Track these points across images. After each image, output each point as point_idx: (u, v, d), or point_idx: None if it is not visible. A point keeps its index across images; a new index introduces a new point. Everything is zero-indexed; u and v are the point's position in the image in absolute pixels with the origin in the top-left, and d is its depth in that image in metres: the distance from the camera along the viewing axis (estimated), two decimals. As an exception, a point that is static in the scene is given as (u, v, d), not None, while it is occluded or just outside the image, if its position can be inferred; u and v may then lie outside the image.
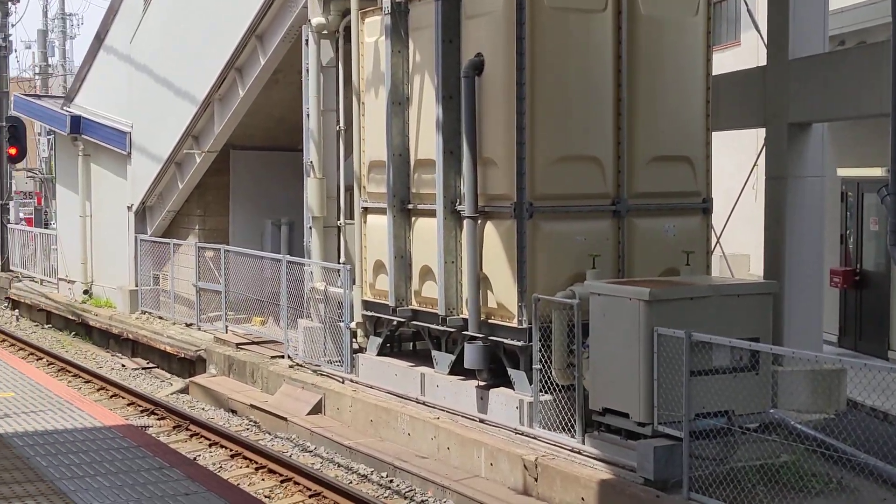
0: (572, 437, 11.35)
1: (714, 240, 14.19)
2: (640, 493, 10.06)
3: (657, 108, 12.85)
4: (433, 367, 13.62)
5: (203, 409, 16.57)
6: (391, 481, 12.29)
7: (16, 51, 41.12)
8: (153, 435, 13.41)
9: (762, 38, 14.75)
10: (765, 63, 14.21)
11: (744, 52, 20.47)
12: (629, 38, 12.61)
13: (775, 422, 11.03)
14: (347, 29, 15.44)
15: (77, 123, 24.48)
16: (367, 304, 14.82)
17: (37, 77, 44.63)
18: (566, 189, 12.39)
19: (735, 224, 16.29)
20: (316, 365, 15.80)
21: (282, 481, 12.34)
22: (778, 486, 9.84)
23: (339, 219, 16.37)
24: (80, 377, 19.02)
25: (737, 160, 19.28)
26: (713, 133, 13.48)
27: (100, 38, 24.22)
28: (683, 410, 9.96)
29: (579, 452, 11.16)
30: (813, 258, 13.80)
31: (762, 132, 14.74)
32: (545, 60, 12.16)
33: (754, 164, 16.11)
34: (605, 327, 10.88)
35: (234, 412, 16.12)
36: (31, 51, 50.84)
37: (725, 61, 18.39)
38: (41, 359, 20.87)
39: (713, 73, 13.43)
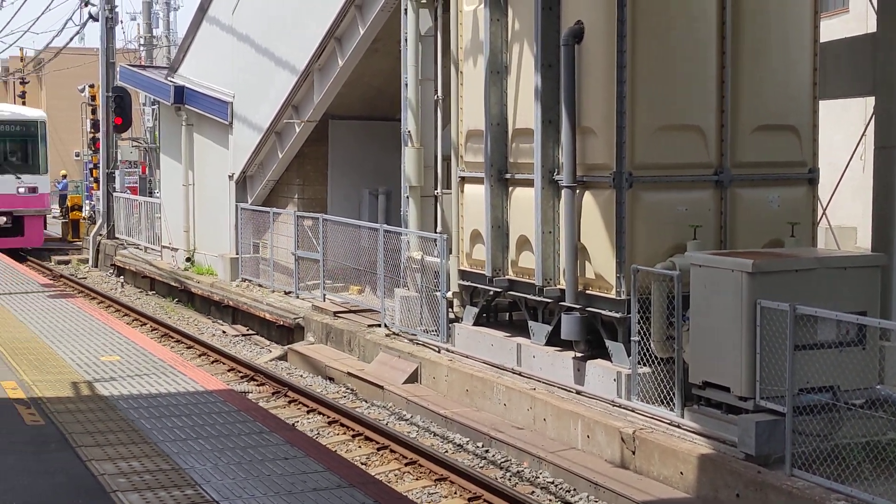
0: (671, 410, 11.22)
1: (820, 211, 13.86)
2: (741, 469, 9.91)
3: (762, 76, 12.58)
4: (529, 338, 13.58)
5: (301, 376, 16.76)
6: (487, 451, 12.30)
7: (122, 22, 41.82)
8: (253, 400, 13.59)
9: (872, 3, 14.31)
10: (874, 30, 13.78)
11: (852, 20, 19.94)
12: (734, 4, 12.35)
13: (882, 398, 10.74)
14: (446, -3, 15.36)
15: (180, 93, 24.83)
16: (463, 274, 14.81)
17: (142, 48, 45.34)
18: (667, 158, 12.21)
19: (842, 195, 15.90)
20: (412, 334, 15.85)
21: (378, 449, 12.44)
22: (884, 464, 9.60)
23: (436, 188, 16.36)
24: (182, 343, 19.39)
25: (844, 130, 18.81)
26: (820, 102, 13.15)
27: (203, 9, 24.49)
28: (787, 385, 9.77)
29: (678, 426, 11.03)
30: (923, 231, 13.40)
31: (871, 101, 14.33)
32: (647, 27, 11.97)
33: (862, 134, 15.67)
34: (706, 299, 10.71)
35: (331, 380, 16.27)
36: (137, 22, 51.59)
37: (833, 28, 17.93)
38: (145, 324, 21.31)
39: (820, 41, 13.09)
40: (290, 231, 20.73)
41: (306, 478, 8.21)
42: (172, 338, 19.84)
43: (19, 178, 32.68)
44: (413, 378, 14.91)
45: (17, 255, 30.69)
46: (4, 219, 32.31)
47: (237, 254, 23.07)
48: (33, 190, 32.96)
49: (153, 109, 39.22)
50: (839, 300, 10.26)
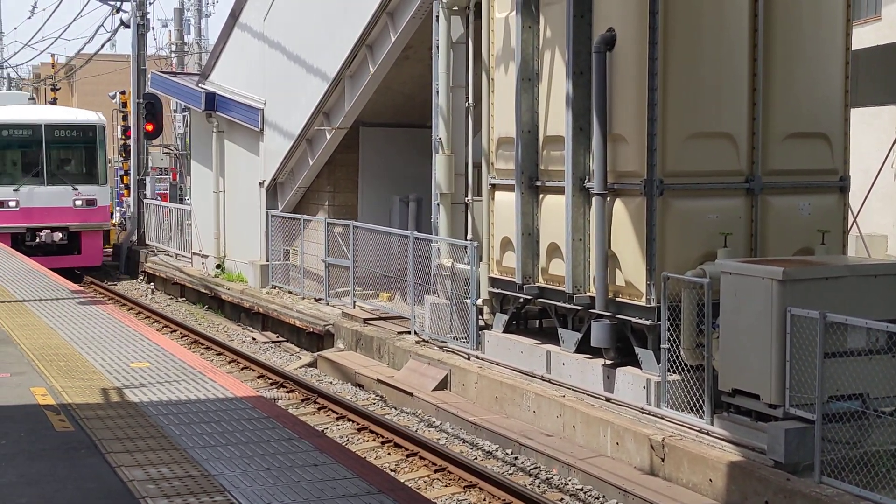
0: (700, 417, 11.18)
1: (851, 219, 13.78)
2: (770, 476, 9.86)
3: (794, 84, 12.52)
4: (559, 345, 13.56)
5: (331, 382, 16.80)
6: (516, 458, 12.29)
7: (153, 29, 42.15)
8: (283, 407, 13.63)
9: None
10: (907, 37, 13.72)
11: (884, 27, 19.79)
12: (766, 11, 12.31)
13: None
14: (478, 5, 15.39)
15: (211, 100, 24.93)
16: (493, 281, 14.81)
17: (173, 55, 45.66)
18: (698, 166, 12.17)
19: (873, 203, 15.79)
20: (442, 341, 15.86)
21: (408, 455, 12.45)
22: (915, 474, 9.53)
23: (466, 195, 16.37)
24: (212, 349, 19.47)
25: (875, 138, 18.68)
26: (851, 109, 13.08)
27: (234, 16, 24.60)
28: (816, 393, 9.72)
29: (707, 433, 10.99)
30: (956, 239, 13.32)
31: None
32: (678, 35, 11.94)
33: (894, 142, 15.58)
34: (737, 307, 10.67)
35: (361, 386, 16.30)
36: (168, 29, 52.02)
37: (865, 36, 17.81)
38: (175, 331, 21.42)
39: (852, 48, 13.01)
40: (321, 238, 20.80)
41: (335, 484, 8.22)
42: (202, 344, 19.94)
43: (76, 189, 29.69)
44: (443, 385, 14.92)
45: (73, 274, 28.08)
46: (59, 235, 29.26)
47: (267, 261, 23.15)
48: (91, 203, 29.85)
49: (184, 116, 39.53)
50: (869, 308, 10.20)
